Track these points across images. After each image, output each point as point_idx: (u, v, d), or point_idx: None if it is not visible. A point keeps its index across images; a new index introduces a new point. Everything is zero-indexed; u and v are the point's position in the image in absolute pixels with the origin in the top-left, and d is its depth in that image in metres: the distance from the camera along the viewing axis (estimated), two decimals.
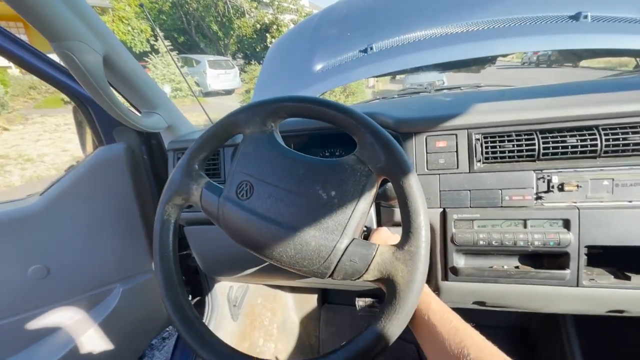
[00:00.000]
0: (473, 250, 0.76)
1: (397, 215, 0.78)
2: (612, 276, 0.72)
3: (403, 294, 0.42)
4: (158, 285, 0.54)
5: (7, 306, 0.93)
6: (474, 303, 0.83)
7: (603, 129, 0.67)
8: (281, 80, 1.58)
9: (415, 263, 0.42)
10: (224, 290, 1.32)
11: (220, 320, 1.27)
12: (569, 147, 0.69)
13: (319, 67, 1.48)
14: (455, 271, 0.77)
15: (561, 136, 0.69)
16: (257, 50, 14.80)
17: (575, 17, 1.23)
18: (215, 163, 0.91)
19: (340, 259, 0.44)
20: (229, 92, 12.38)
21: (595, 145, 0.67)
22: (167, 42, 10.25)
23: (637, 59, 1.44)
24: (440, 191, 0.75)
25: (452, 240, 0.75)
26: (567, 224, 0.69)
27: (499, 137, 0.73)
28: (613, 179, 0.68)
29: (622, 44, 1.15)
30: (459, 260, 0.77)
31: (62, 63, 0.71)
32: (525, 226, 0.72)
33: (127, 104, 0.85)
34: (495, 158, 0.73)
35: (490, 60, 1.69)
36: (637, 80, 1.13)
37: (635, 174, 0.67)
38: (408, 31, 1.41)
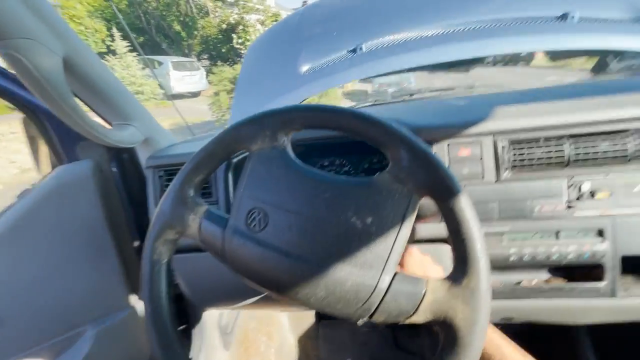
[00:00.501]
0: (501, 265, 0.70)
1: (422, 229, 0.70)
2: None
3: (467, 339, 0.34)
4: (149, 338, 0.44)
5: None
6: (501, 319, 0.77)
7: (636, 132, 0.64)
8: (265, 83, 1.46)
9: (477, 301, 0.35)
10: (213, 316, 1.19)
11: (211, 351, 1.13)
12: (600, 151, 0.65)
13: (305, 68, 1.39)
14: None
15: (592, 140, 0.65)
16: (223, 51, 14.34)
17: (563, 17, 1.24)
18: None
19: (382, 299, 0.37)
20: (195, 95, 11.87)
21: (626, 149, 0.64)
22: (125, 43, 9.64)
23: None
24: None
25: None
26: (601, 233, 0.65)
27: (527, 143, 0.67)
28: None
29: (610, 44, 1.16)
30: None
31: (6, 66, 0.56)
32: (557, 238, 0.67)
33: (92, 115, 0.71)
34: (523, 166, 0.67)
35: (479, 61, 1.68)
36: None
37: None
38: (398, 30, 1.36)
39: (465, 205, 0.36)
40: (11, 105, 0.78)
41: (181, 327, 1.18)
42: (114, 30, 9.90)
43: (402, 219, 0.38)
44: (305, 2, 1.73)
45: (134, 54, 9.82)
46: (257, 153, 0.45)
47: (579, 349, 1.07)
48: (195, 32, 14.76)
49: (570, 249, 0.65)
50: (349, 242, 0.38)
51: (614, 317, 0.71)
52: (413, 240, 0.73)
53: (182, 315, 1.17)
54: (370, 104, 1.37)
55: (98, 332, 0.93)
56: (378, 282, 0.36)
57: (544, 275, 0.72)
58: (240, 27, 13.53)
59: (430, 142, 0.70)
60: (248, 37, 13.42)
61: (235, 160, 0.79)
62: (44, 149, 0.90)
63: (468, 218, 0.36)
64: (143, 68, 10.01)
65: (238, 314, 1.26)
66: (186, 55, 14.35)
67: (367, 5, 1.52)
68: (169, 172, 0.80)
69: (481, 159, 0.68)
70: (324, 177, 0.42)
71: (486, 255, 0.36)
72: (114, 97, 0.72)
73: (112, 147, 0.87)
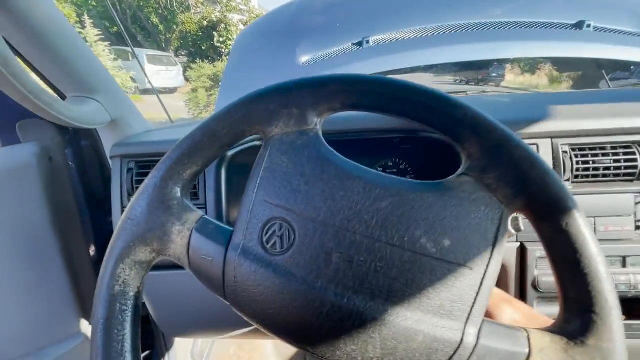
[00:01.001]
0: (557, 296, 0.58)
1: None
2: None
3: None
4: None
5: None
6: None
7: None
8: (257, 74, 1.31)
9: None
10: (185, 344, 0.99)
11: None
12: None
13: (305, 58, 1.26)
14: None
15: None
16: (203, 48, 13.90)
17: (579, 26, 1.20)
18: None
19: None
20: (170, 91, 11.41)
21: None
22: (95, 31, 9.08)
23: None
24: None
25: (535, 286, 0.57)
26: None
27: (591, 149, 0.57)
28: None
29: (622, 55, 1.14)
30: (541, 310, 0.59)
31: None
32: (624, 265, 0.56)
33: (41, 84, 0.52)
34: (587, 176, 0.57)
35: (492, 63, 1.64)
36: None
37: None
38: (409, 26, 1.26)
39: (585, 227, 0.24)
40: None
41: (145, 354, 0.97)
42: (85, 17, 9.29)
43: (494, 243, 0.26)
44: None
45: (106, 43, 9.25)
46: (277, 139, 0.30)
47: None
48: (175, 27, 14.23)
49: None
50: (419, 275, 0.26)
51: None
52: None
53: (147, 336, 0.96)
54: None
55: None
56: (463, 336, 0.25)
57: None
58: (222, 25, 13.25)
59: None
60: (230, 36, 13.16)
61: (231, 152, 0.62)
62: None
63: (590, 245, 0.24)
64: (115, 59, 9.45)
65: (214, 340, 1.07)
66: (163, 50, 13.79)
67: None
68: (142, 164, 0.61)
69: None
70: (379, 178, 0.28)
71: (618, 302, 0.25)
72: (72, 58, 0.53)
73: (67, 127, 0.68)
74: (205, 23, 13.58)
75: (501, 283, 0.59)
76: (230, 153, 0.62)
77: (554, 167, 0.57)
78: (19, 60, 0.47)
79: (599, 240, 0.53)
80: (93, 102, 0.60)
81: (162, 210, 0.30)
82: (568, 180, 0.57)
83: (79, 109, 0.56)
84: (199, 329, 0.71)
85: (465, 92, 1.28)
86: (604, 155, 0.56)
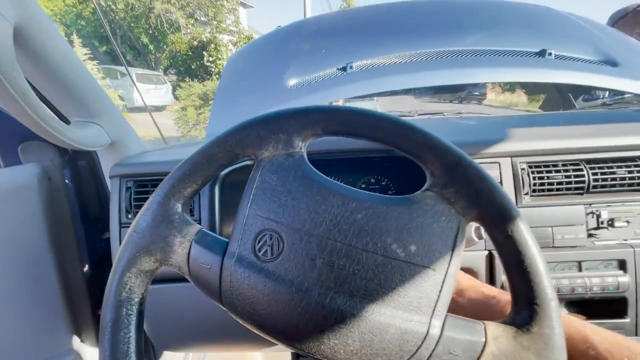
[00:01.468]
0: None
1: None
2: None
3: None
4: None
5: None
6: None
7: None
8: (247, 95, 1.38)
9: (554, 352, 0.28)
10: (176, 358, 1.00)
11: None
12: (618, 179, 0.63)
13: (292, 82, 1.33)
14: None
15: (609, 167, 0.63)
16: (193, 67, 14.02)
17: (541, 54, 1.32)
18: None
19: (433, 351, 0.29)
20: (159, 109, 11.38)
21: None
22: (84, 50, 9.10)
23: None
24: None
25: (502, 289, 0.62)
26: (622, 264, 0.62)
27: (545, 166, 0.64)
28: None
29: (579, 80, 1.25)
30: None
31: None
32: (580, 269, 0.63)
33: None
34: (543, 190, 0.64)
35: (464, 88, 1.74)
36: None
37: None
38: (389, 53, 1.36)
39: (526, 232, 0.30)
40: None
41: None
42: (74, 36, 9.33)
43: (453, 247, 0.31)
44: (279, 26, 1.75)
45: (95, 62, 9.26)
46: (268, 161, 0.35)
47: None
48: (164, 47, 14.36)
49: (595, 282, 0.61)
50: (390, 276, 0.30)
51: None
52: None
53: None
54: None
55: None
56: (428, 328, 0.29)
57: (563, 310, 0.66)
58: (212, 45, 13.44)
59: None
60: (220, 56, 13.32)
61: (222, 172, 0.67)
62: None
63: (531, 247, 0.29)
64: (103, 77, 9.45)
65: (205, 354, 1.07)
66: (152, 69, 13.84)
67: (358, 26, 1.52)
68: (140, 183, 0.66)
69: (500, 182, 0.63)
70: (355, 194, 0.33)
71: (555, 295, 0.29)
72: (77, 86, 0.58)
73: (69, 149, 0.72)
74: (195, 43, 13.75)
75: None
76: (222, 173, 0.67)
77: (514, 183, 0.63)
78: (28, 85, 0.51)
79: (557, 247, 0.60)
80: (95, 125, 0.64)
81: (165, 224, 0.34)
82: (527, 194, 0.64)
83: (83, 132, 0.61)
84: (189, 342, 0.74)
85: (442, 112, 1.37)
86: (556, 171, 0.64)
